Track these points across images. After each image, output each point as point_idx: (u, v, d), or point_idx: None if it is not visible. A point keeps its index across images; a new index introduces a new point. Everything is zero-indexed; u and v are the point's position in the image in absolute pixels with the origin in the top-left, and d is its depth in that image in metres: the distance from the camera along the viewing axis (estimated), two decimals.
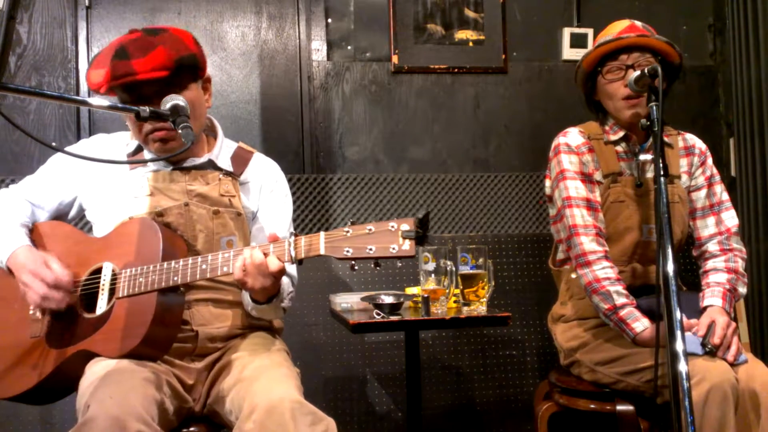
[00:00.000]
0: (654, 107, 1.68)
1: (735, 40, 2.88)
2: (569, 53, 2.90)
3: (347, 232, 1.38)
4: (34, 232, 1.74)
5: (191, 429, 1.63)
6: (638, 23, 2.02)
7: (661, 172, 1.60)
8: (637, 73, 1.79)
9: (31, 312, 1.65)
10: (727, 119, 3.04)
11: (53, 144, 2.56)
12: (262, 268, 1.45)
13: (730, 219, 2.04)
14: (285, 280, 1.70)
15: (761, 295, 2.77)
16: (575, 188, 2.00)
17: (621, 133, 2.04)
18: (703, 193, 2.06)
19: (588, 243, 1.94)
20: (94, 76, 1.62)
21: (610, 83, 2.00)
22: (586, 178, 2.02)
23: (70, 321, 1.61)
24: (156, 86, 1.61)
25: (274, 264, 1.45)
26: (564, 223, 2.01)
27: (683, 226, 2.04)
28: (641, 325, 1.85)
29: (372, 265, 1.39)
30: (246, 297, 1.68)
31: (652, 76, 1.70)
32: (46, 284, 1.56)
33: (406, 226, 1.34)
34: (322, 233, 1.40)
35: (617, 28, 2.01)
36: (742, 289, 1.98)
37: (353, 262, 1.39)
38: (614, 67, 1.98)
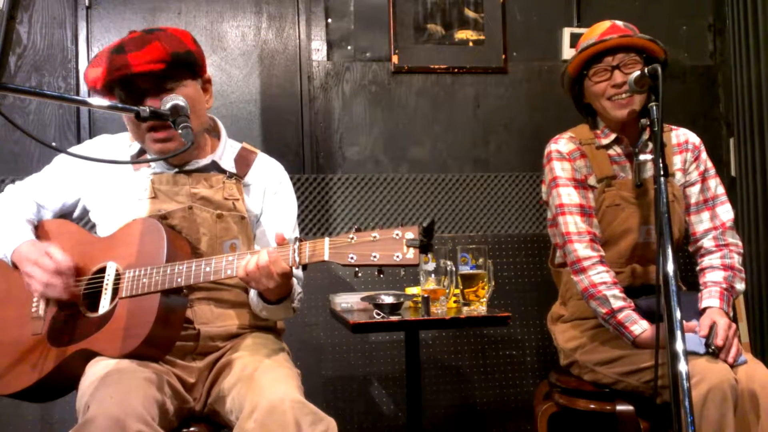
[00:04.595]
0: (654, 107, 1.68)
1: (735, 40, 2.88)
2: (569, 53, 2.89)
3: (351, 238, 1.37)
4: (39, 229, 1.74)
5: (191, 429, 1.63)
6: (619, 23, 2.01)
7: (661, 172, 1.60)
8: (637, 73, 1.79)
9: (33, 309, 1.65)
10: (727, 119, 3.04)
11: (53, 144, 2.56)
12: (266, 271, 1.45)
13: (725, 213, 2.02)
14: (293, 281, 1.70)
15: (761, 294, 2.76)
16: (568, 195, 2.00)
17: (612, 136, 2.04)
18: (697, 188, 2.05)
19: (582, 249, 1.94)
20: (91, 73, 1.62)
21: (597, 85, 1.99)
22: (579, 184, 2.02)
23: (72, 319, 1.61)
24: (151, 80, 1.61)
25: (278, 267, 1.45)
26: (559, 229, 2.02)
27: (680, 225, 2.04)
28: (639, 327, 1.85)
29: (375, 273, 1.38)
30: (255, 298, 1.68)
31: (652, 77, 1.70)
32: (47, 272, 1.56)
33: (410, 235, 1.33)
34: (326, 239, 1.40)
35: (599, 30, 2.00)
36: (740, 286, 1.96)
37: (357, 269, 1.38)
38: (600, 69, 1.97)
